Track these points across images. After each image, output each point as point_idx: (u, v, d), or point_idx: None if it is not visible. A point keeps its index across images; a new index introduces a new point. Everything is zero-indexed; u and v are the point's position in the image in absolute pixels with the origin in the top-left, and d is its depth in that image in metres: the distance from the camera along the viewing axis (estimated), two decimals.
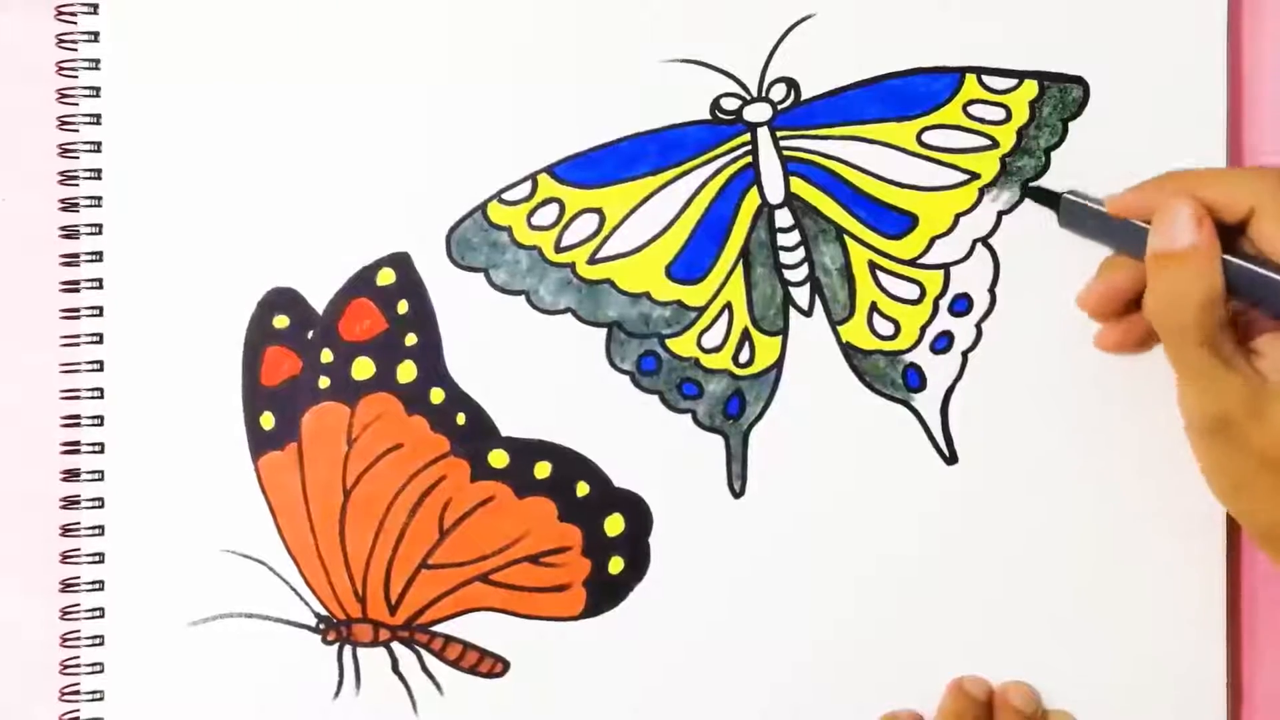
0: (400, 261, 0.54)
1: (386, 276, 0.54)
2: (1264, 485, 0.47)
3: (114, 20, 0.54)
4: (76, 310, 0.54)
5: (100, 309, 0.54)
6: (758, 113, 0.54)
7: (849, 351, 0.55)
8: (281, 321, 0.54)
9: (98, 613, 0.54)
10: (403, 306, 0.54)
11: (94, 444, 0.54)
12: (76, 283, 0.54)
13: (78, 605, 0.54)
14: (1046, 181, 0.54)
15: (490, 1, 0.54)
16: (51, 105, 0.54)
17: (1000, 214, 0.55)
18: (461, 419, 0.54)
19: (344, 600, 0.54)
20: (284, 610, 0.54)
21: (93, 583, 0.54)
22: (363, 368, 0.54)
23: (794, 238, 0.54)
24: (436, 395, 0.54)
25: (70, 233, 0.54)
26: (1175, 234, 0.48)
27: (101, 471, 0.54)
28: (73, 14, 0.54)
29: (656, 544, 0.55)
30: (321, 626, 0.54)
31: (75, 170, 0.54)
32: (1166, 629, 0.54)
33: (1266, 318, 0.48)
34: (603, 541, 0.54)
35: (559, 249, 0.54)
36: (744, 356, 0.55)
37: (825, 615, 0.55)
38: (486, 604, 0.54)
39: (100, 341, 0.54)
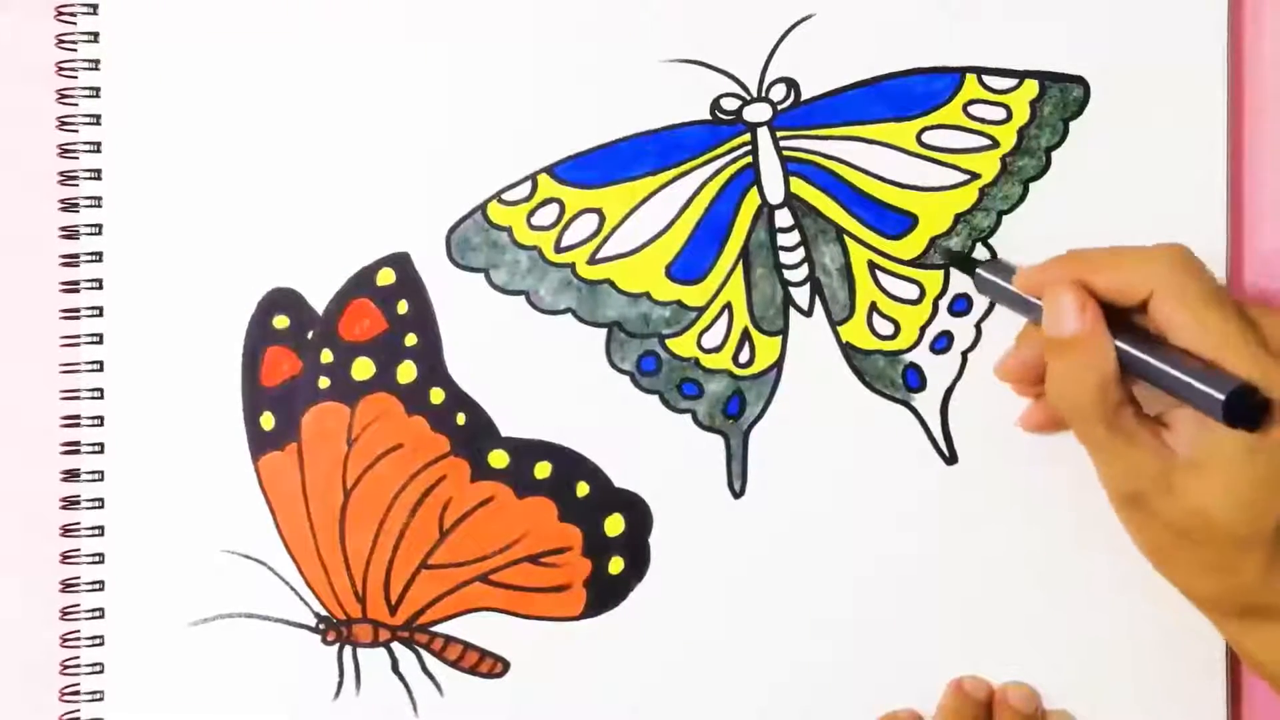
0: (400, 261, 0.54)
1: (386, 276, 0.54)
2: (1182, 555, 0.48)
3: (114, 20, 0.54)
4: (76, 310, 0.54)
5: (100, 309, 0.54)
6: (758, 113, 0.54)
7: (849, 351, 0.55)
8: (281, 322, 0.54)
9: (98, 613, 0.54)
10: (403, 307, 0.54)
11: (94, 444, 0.54)
12: (76, 283, 0.54)
13: (78, 605, 0.54)
14: (1047, 184, 0.54)
15: (490, 2, 0.54)
16: (51, 105, 0.54)
17: (1000, 214, 0.55)
18: (461, 419, 0.54)
19: (344, 600, 0.54)
20: (284, 610, 0.54)
21: (93, 583, 0.54)
22: (363, 368, 0.54)
23: (794, 238, 0.54)
24: (436, 395, 0.54)
25: (70, 233, 0.54)
26: (1061, 322, 0.48)
27: (101, 472, 0.54)
28: (72, 14, 0.54)
29: (656, 544, 0.55)
30: (321, 627, 0.54)
31: (75, 170, 0.54)
32: (1166, 629, 0.54)
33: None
34: (603, 542, 0.54)
35: (559, 249, 0.54)
36: (744, 356, 0.55)
37: (825, 615, 0.55)
38: (486, 604, 0.54)
39: (100, 342, 0.54)
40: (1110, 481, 0.48)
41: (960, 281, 0.54)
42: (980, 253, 0.54)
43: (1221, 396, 0.44)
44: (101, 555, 0.54)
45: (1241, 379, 0.44)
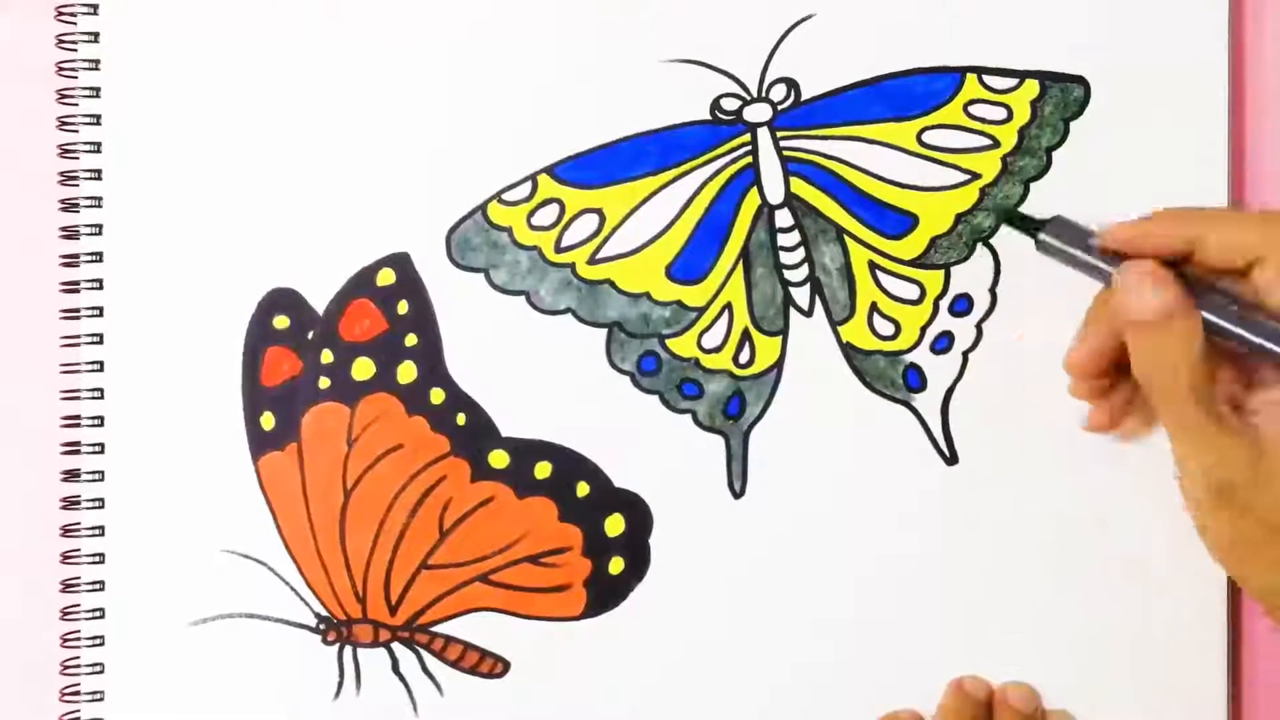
0: (400, 262, 0.54)
1: (386, 277, 0.54)
2: (1267, 550, 0.46)
3: (114, 21, 0.54)
4: (77, 311, 0.54)
5: (100, 309, 0.54)
6: (758, 113, 0.54)
7: (849, 352, 0.55)
8: (282, 322, 0.54)
9: (98, 613, 0.54)
10: (403, 307, 0.54)
11: (94, 444, 0.54)
12: (76, 283, 0.54)
13: (78, 606, 0.54)
14: (1047, 184, 0.54)
15: (490, 3, 0.54)
16: (51, 106, 0.54)
17: None
18: (462, 419, 0.54)
19: (344, 600, 0.54)
20: (284, 610, 0.54)
21: (93, 583, 0.54)
22: (363, 368, 0.54)
23: (794, 238, 0.54)
24: (437, 395, 0.54)
25: (70, 233, 0.54)
26: (1144, 301, 0.47)
27: (102, 472, 0.54)
28: (73, 14, 0.54)
29: (656, 544, 0.55)
30: (322, 627, 0.54)
31: (75, 171, 0.54)
32: (1167, 629, 0.54)
33: (1254, 382, 0.48)
34: (603, 542, 0.54)
35: (559, 249, 0.54)
36: (744, 357, 0.55)
37: (825, 615, 0.55)
38: (487, 604, 0.54)
39: (100, 342, 0.54)
40: (1201, 472, 0.46)
41: (961, 282, 0.54)
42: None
43: None
44: (102, 555, 0.54)
45: None
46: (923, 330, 0.55)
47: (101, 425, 0.54)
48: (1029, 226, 0.52)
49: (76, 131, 0.54)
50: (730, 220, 0.54)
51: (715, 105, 0.54)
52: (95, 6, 0.54)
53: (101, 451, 0.54)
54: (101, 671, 0.54)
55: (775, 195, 0.54)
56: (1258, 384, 0.48)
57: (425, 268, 0.54)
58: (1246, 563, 0.47)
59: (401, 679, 0.54)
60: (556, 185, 0.54)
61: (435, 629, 0.54)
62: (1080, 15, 0.54)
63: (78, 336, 0.54)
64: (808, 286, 0.55)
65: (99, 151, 0.54)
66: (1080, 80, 0.54)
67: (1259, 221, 0.47)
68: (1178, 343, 0.46)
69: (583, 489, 0.54)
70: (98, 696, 0.54)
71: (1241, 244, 0.47)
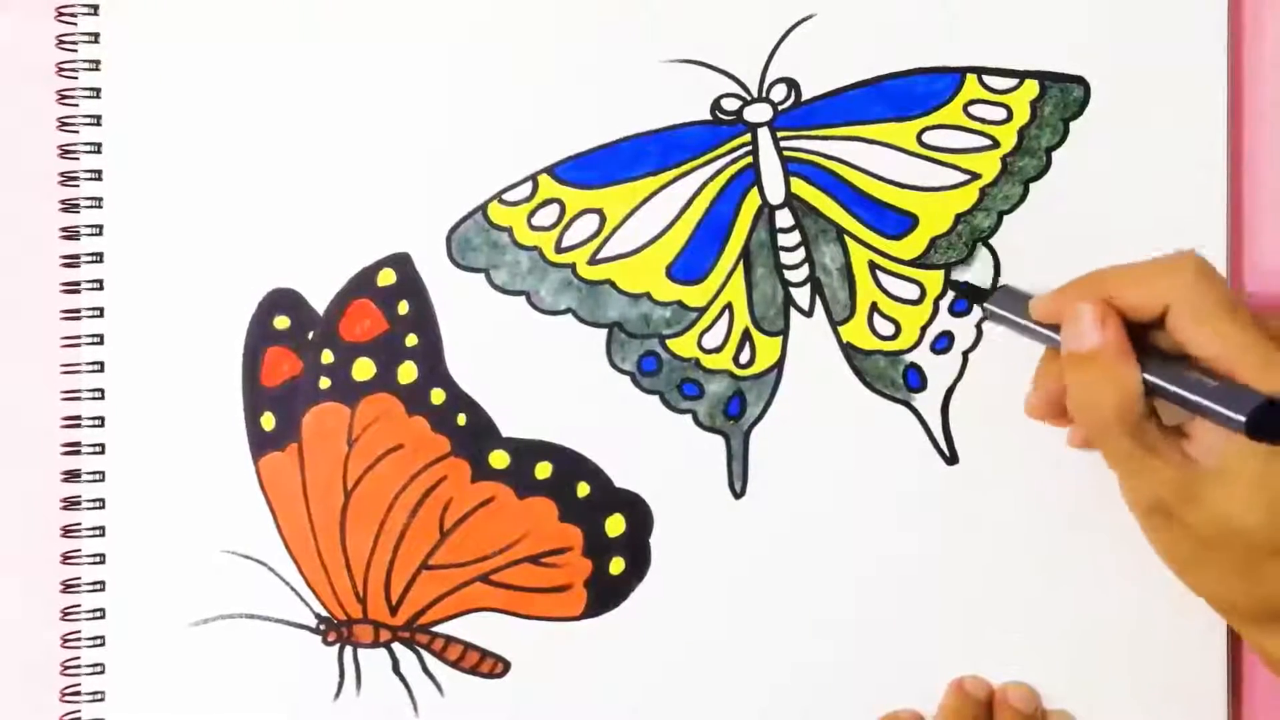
0: (401, 262, 0.54)
1: (387, 277, 0.54)
2: (1208, 564, 0.47)
3: (114, 21, 0.54)
4: (77, 311, 0.54)
5: (101, 310, 0.54)
6: (758, 113, 0.54)
7: (849, 352, 0.55)
8: (282, 322, 0.54)
9: (99, 614, 0.54)
10: (403, 307, 0.54)
11: (95, 445, 0.54)
12: (77, 284, 0.54)
13: (79, 606, 0.54)
14: (1047, 184, 0.54)
15: (491, 3, 0.54)
16: (51, 106, 0.54)
17: (1000, 214, 0.55)
18: (462, 419, 0.54)
19: (344, 601, 0.54)
20: (284, 611, 0.54)
21: (94, 583, 0.54)
22: (363, 368, 0.54)
23: (794, 238, 0.54)
24: (437, 396, 0.54)
25: (71, 234, 0.54)
26: (1081, 335, 0.48)
27: (102, 472, 0.54)
28: (73, 15, 0.54)
29: (657, 544, 0.55)
30: (322, 627, 0.54)
31: (75, 171, 0.54)
32: (1166, 629, 0.54)
33: None
34: (603, 542, 0.54)
35: (559, 249, 0.54)
36: (744, 357, 0.55)
37: (825, 615, 0.55)
38: (487, 604, 0.54)
39: (101, 343, 0.54)
40: (1134, 494, 0.48)
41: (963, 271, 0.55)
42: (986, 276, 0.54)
43: (1243, 418, 0.44)
44: (102, 556, 0.54)
45: (1263, 395, 0.44)
46: (923, 330, 0.55)
47: (102, 426, 0.54)
48: (977, 296, 0.54)
49: (77, 132, 0.54)
50: (731, 220, 0.54)
51: (715, 105, 0.54)
52: (95, 7, 0.54)
53: (102, 452, 0.54)
54: (102, 672, 0.54)
55: (776, 195, 0.54)
56: None
57: (426, 268, 0.54)
58: (1191, 575, 0.49)
59: (402, 679, 0.54)
60: (557, 185, 0.54)
61: (436, 629, 0.54)
62: (1080, 15, 0.54)
63: (78, 337, 0.54)
64: (808, 286, 0.55)
65: (99, 152, 0.54)
66: (1080, 80, 0.54)
67: (1161, 270, 0.48)
68: (1107, 376, 0.47)
69: (583, 489, 0.54)
70: (98, 697, 0.54)
71: (1142, 297, 0.48)
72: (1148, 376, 0.47)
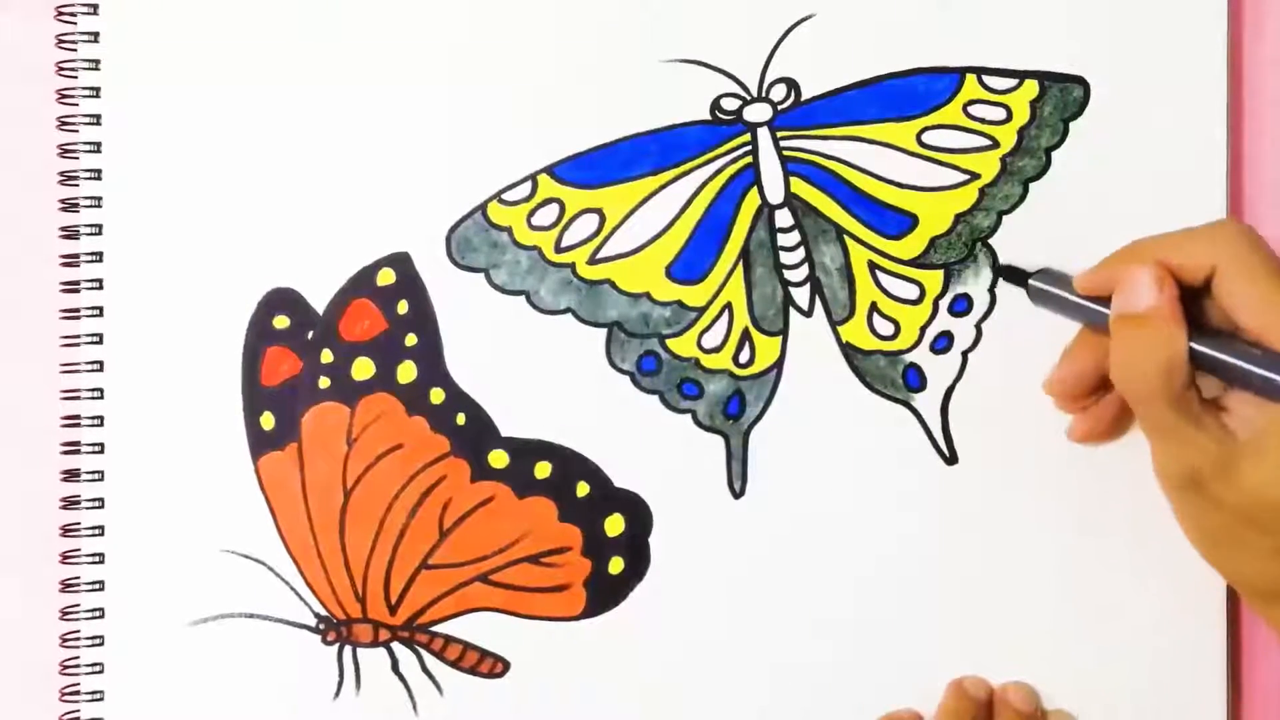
0: (400, 261, 0.54)
1: (386, 276, 0.54)
2: (1239, 540, 0.47)
3: (114, 21, 0.54)
4: (76, 310, 0.54)
5: (100, 309, 0.54)
6: (758, 113, 0.54)
7: (849, 351, 0.55)
8: (281, 322, 0.54)
9: (98, 613, 0.54)
10: (403, 307, 0.54)
11: (94, 444, 0.54)
12: (76, 283, 0.54)
13: (78, 605, 0.54)
14: (1047, 184, 0.54)
15: (490, 2, 0.54)
16: (51, 106, 0.54)
17: (1000, 214, 0.55)
18: (461, 419, 0.54)
19: (344, 600, 0.54)
20: (284, 610, 0.54)
21: (93, 583, 0.54)
22: (363, 368, 0.54)
23: (794, 238, 0.54)
24: (437, 395, 0.54)
25: (70, 233, 0.54)
26: (1137, 297, 0.47)
27: (101, 472, 0.54)
28: (72, 14, 0.54)
29: (656, 544, 0.55)
30: (321, 627, 0.54)
31: (75, 170, 0.54)
32: (1166, 629, 0.54)
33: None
34: (603, 541, 0.54)
35: (559, 249, 0.54)
36: (744, 357, 0.55)
37: (825, 615, 0.55)
38: (487, 604, 0.54)
39: (100, 342, 0.54)
40: (1170, 464, 0.47)
41: (961, 281, 0.54)
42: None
43: None
44: (101, 555, 0.54)
45: None
46: (923, 330, 0.55)
47: (101, 425, 0.54)
48: (1018, 277, 0.53)
49: (76, 131, 0.54)
50: (730, 220, 0.54)
51: (715, 105, 0.54)
52: (95, 6, 0.54)
53: (101, 451, 0.54)
54: (101, 671, 0.54)
55: (775, 195, 0.54)
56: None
57: (425, 268, 0.54)
58: (1220, 551, 0.48)
59: (401, 679, 0.54)
60: (556, 185, 0.54)
61: (435, 629, 0.54)
62: (1080, 15, 0.54)
63: (78, 336, 0.54)
64: (808, 286, 0.55)
65: (99, 151, 0.54)
66: (1080, 80, 0.54)
67: (1209, 234, 0.48)
68: (1159, 338, 0.47)
69: (583, 489, 0.54)
70: (97, 696, 0.54)
71: (1191, 260, 0.47)
72: (1193, 344, 0.46)
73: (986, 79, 0.54)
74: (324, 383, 0.54)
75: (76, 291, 0.54)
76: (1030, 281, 0.53)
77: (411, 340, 0.54)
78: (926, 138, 0.54)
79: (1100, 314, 0.49)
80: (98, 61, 0.54)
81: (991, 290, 0.54)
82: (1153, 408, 0.47)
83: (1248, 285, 0.46)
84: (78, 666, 0.54)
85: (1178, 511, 0.48)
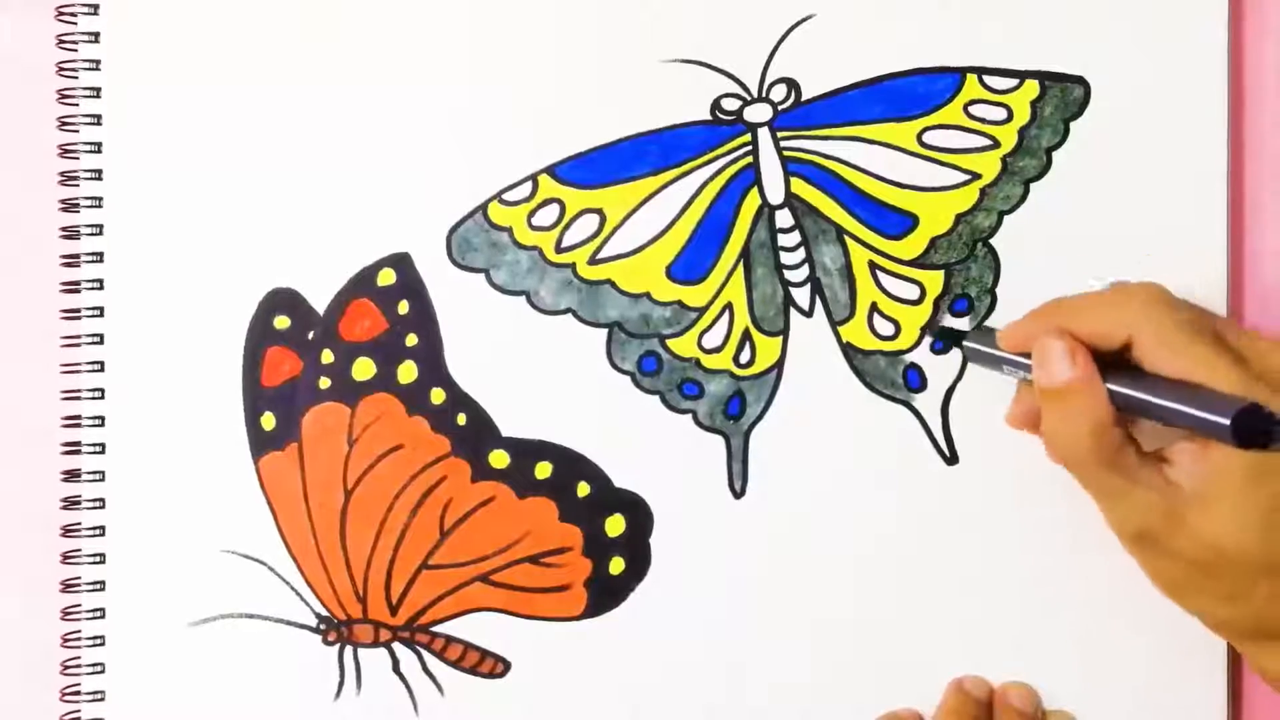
0: (401, 262, 0.54)
1: (387, 277, 0.54)
2: (1199, 587, 0.47)
3: (114, 21, 0.54)
4: (77, 311, 0.54)
5: (101, 309, 0.54)
6: (758, 113, 0.54)
7: (849, 352, 0.55)
8: (282, 322, 0.54)
9: (99, 613, 0.54)
10: (403, 307, 0.54)
11: (95, 444, 0.54)
12: (77, 283, 0.54)
13: (79, 606, 0.54)
14: (1047, 184, 0.54)
15: (491, 3, 0.54)
16: (52, 106, 0.54)
17: (1001, 214, 0.55)
18: (462, 419, 0.54)
19: (345, 601, 0.54)
20: (284, 611, 0.54)
21: (94, 583, 0.54)
22: (363, 368, 0.54)
23: (794, 238, 0.54)
24: (437, 396, 0.54)
25: (71, 233, 0.54)
26: (1053, 370, 0.47)
27: (102, 472, 0.54)
28: (73, 14, 0.54)
29: (657, 544, 0.55)
30: (322, 627, 0.54)
31: (75, 171, 0.54)
32: (1167, 628, 0.54)
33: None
34: (603, 542, 0.54)
35: (560, 249, 0.54)
36: (744, 357, 0.55)
37: (825, 615, 0.55)
38: (487, 604, 0.54)
39: (101, 342, 0.54)
40: (1119, 523, 0.48)
41: (961, 281, 0.54)
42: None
43: (1227, 420, 0.43)
44: (102, 555, 0.54)
45: (1245, 400, 0.44)
46: (923, 330, 0.55)
47: (102, 425, 0.54)
48: (956, 339, 0.54)
49: (77, 131, 0.54)
50: (731, 220, 0.54)
51: (715, 105, 0.54)
52: (95, 6, 0.54)
53: (102, 452, 0.54)
54: (102, 671, 0.54)
55: (775, 195, 0.54)
56: (1175, 431, 0.48)
57: (426, 268, 0.54)
58: (1187, 598, 0.48)
59: (402, 679, 0.55)
60: (557, 185, 0.54)
61: (436, 629, 0.54)
62: (1080, 15, 0.54)
63: (78, 337, 0.54)
64: (808, 287, 0.55)
65: (99, 151, 0.54)
66: (1080, 80, 0.54)
67: (1120, 298, 0.48)
68: (1080, 409, 0.47)
69: (583, 489, 0.54)
70: (98, 696, 0.54)
71: (1106, 328, 0.47)
72: (1127, 391, 0.46)
73: (987, 79, 0.54)
74: (324, 383, 0.54)
75: (77, 292, 0.54)
76: (964, 344, 0.53)
77: (412, 340, 0.54)
78: (927, 138, 0.54)
79: (1028, 366, 0.49)
80: (98, 61, 0.54)
81: (991, 290, 0.54)
82: (1089, 473, 0.47)
83: (1165, 351, 0.46)
84: (79, 666, 0.54)
85: (1139, 564, 0.49)
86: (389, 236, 0.54)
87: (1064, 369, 0.47)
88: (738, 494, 0.55)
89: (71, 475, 0.54)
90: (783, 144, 0.54)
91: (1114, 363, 0.47)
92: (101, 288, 0.54)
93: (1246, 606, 0.46)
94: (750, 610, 0.55)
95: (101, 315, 0.54)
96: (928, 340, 0.55)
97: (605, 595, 0.55)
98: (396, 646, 0.54)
